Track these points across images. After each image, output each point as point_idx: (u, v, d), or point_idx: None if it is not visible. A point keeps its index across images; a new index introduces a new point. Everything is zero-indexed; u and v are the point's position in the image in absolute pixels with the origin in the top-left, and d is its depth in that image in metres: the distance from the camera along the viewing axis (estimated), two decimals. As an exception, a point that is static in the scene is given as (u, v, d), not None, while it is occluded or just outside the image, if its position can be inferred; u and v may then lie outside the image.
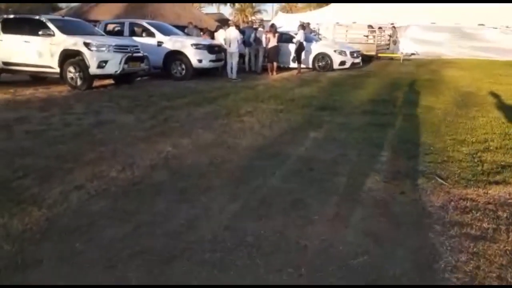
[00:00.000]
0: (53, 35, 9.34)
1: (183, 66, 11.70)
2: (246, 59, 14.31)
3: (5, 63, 9.96)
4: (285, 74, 13.48)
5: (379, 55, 18.96)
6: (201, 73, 11.99)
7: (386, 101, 7.87)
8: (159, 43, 11.77)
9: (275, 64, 13.26)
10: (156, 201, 3.34)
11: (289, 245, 2.71)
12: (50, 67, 9.41)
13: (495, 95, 8.63)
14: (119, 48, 9.64)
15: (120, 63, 9.46)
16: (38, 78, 10.32)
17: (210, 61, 11.92)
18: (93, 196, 3.38)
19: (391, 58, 19.24)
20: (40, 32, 9.28)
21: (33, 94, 8.39)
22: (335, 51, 14.44)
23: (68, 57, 9.28)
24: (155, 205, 3.26)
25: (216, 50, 12.24)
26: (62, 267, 2.38)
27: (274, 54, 13.26)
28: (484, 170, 4.11)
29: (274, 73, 13.15)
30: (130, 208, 3.18)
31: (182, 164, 4.22)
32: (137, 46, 10.34)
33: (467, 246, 2.71)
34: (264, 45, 13.55)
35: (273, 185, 3.72)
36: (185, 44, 11.68)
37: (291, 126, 5.96)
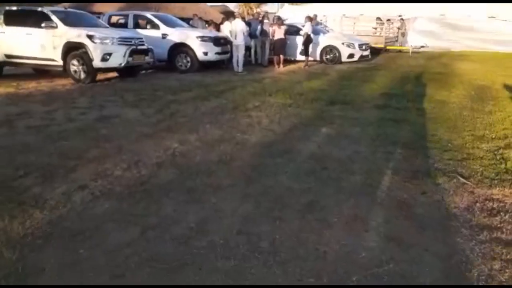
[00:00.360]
0: (56, 27, 9.13)
1: (188, 59, 11.49)
2: (252, 51, 14.07)
3: (7, 56, 9.77)
4: (292, 67, 13.22)
5: (388, 47, 18.61)
6: (206, 66, 11.77)
7: (399, 95, 7.63)
8: (164, 36, 11.54)
9: (281, 57, 13.01)
10: (164, 202, 3.16)
11: (308, 251, 2.52)
12: (53, 60, 9.22)
13: (510, 88, 8.37)
14: (123, 41, 9.43)
15: (124, 56, 9.26)
16: (41, 71, 10.14)
17: (216, 53, 11.69)
18: (98, 197, 3.20)
19: (400, 51, 18.90)
20: (42, 24, 9.07)
21: (36, 88, 8.22)
22: (343, 43, 14.15)
23: (71, 49, 9.08)
24: (163, 206, 3.08)
25: (221, 42, 12.00)
26: (66, 276, 2.20)
27: (280, 47, 12.99)
28: (508, 168, 3.90)
29: (281, 66, 12.90)
30: (136, 210, 3.01)
31: (190, 162, 4.03)
32: (141, 38, 10.12)
33: (500, 253, 2.52)
34: (270, 37, 13.29)
35: (286, 184, 3.53)
36: (190, 36, 11.45)
37: (301, 121, 5.76)
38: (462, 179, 3.64)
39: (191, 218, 2.91)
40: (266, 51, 13.80)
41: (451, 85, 8.86)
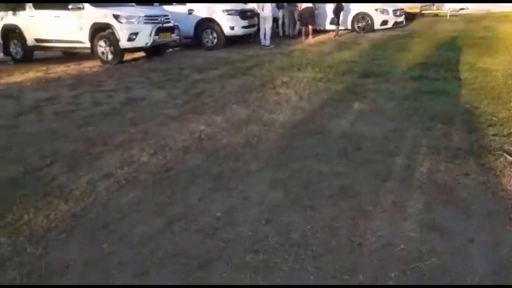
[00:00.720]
0: (83, 8, 9.07)
1: (215, 35, 11.25)
2: (280, 22, 13.62)
3: (37, 40, 9.85)
4: (322, 37, 12.73)
5: (423, 12, 17.59)
6: (233, 41, 11.50)
7: (436, 64, 7.15)
8: (190, 11, 11.31)
9: (310, 27, 12.51)
10: (190, 189, 3.05)
11: (341, 244, 2.35)
12: (81, 42, 9.22)
13: (560, 52, 7.71)
14: (149, 19, 9.29)
15: (150, 35, 9.13)
16: (70, 54, 10.20)
17: (243, 27, 11.40)
18: (123, 185, 3.13)
19: (436, 15, 17.85)
20: (69, 6, 9.03)
21: (65, 71, 8.27)
22: (376, 9, 13.42)
23: (98, 30, 9.03)
24: (189, 194, 2.98)
25: (248, 15, 11.65)
26: (89, 274, 2.14)
27: (308, 17, 12.46)
28: (561, 144, 3.56)
29: (310, 37, 12.43)
30: (162, 199, 2.92)
31: (217, 145, 3.90)
32: (167, 15, 9.95)
33: (555, 243, 2.27)
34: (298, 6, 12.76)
35: (317, 168, 3.34)
36: (217, 10, 11.16)
37: (332, 97, 5.49)
38: (509, 157, 3.34)
39: (218, 207, 2.80)
40: (294, 21, 13.32)
41: (494, 51, 8.24)
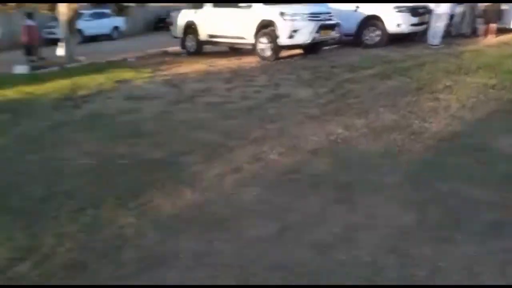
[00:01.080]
0: (251, 6, 9.51)
1: (377, 32, 10.59)
2: (455, 20, 12.10)
3: (209, 35, 10.75)
4: (506, 37, 10.88)
5: None
6: (397, 39, 10.68)
7: None
8: (356, 8, 10.86)
9: (493, 25, 10.80)
10: (312, 196, 2.87)
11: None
12: (245, 38, 9.69)
13: None
14: (313, 16, 9.23)
15: (311, 33, 9.07)
16: (235, 49, 10.89)
17: (411, 25, 10.45)
18: (248, 182, 3.12)
19: None
20: (240, 4, 9.59)
21: (225, 65, 8.82)
22: None
23: (263, 27, 9.33)
24: (309, 202, 2.80)
25: (420, 12, 10.64)
26: (195, 269, 2.14)
27: (493, 14, 10.78)
28: None
29: (491, 36, 10.75)
30: (281, 202, 2.81)
31: (351, 152, 3.61)
32: (330, 12, 9.76)
33: None
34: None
35: (467, 193, 2.78)
36: (386, 7, 10.45)
37: (504, 109, 4.60)
38: None
39: (337, 221, 2.55)
40: (474, 18, 11.70)
41: None
